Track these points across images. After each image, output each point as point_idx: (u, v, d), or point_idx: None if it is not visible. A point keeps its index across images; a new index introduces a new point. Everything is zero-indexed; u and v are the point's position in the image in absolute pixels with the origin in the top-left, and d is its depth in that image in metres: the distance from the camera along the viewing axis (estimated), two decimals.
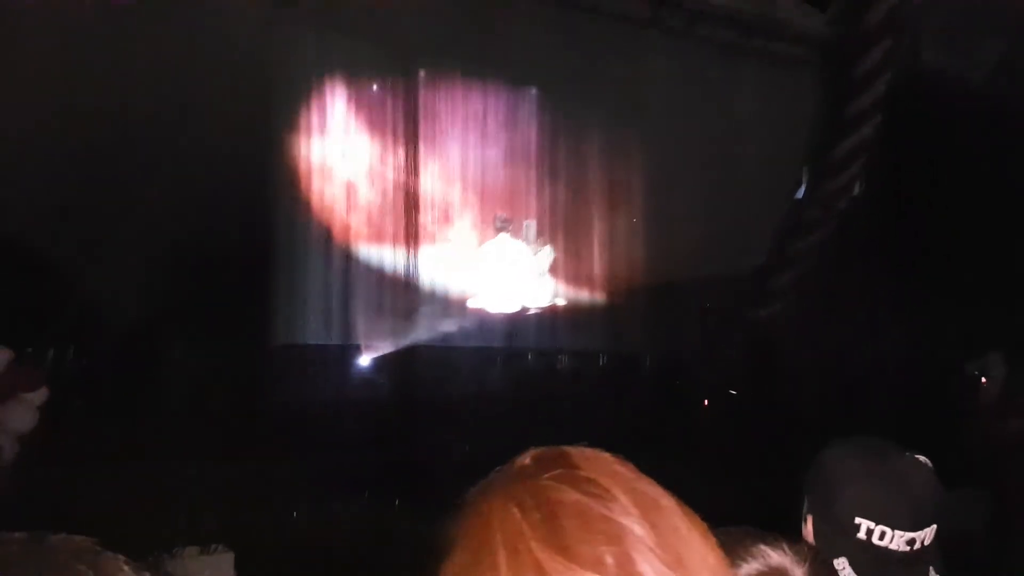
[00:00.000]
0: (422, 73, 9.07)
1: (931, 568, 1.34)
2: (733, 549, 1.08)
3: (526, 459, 0.79)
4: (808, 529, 1.42)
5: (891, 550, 1.32)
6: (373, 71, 8.80)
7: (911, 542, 1.32)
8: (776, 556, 1.08)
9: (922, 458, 1.42)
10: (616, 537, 0.67)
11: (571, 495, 0.70)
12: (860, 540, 1.33)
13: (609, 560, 0.66)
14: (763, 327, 9.37)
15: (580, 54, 9.06)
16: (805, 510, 1.44)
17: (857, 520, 1.34)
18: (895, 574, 1.32)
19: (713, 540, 0.73)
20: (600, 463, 0.75)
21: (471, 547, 0.71)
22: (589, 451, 0.77)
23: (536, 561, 0.66)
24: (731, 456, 6.86)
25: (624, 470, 0.75)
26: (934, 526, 1.34)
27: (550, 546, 0.66)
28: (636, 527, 0.68)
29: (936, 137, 7.93)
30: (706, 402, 9.26)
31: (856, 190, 9.60)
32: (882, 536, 1.32)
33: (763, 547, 1.09)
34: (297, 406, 7.41)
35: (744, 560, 1.08)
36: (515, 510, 0.70)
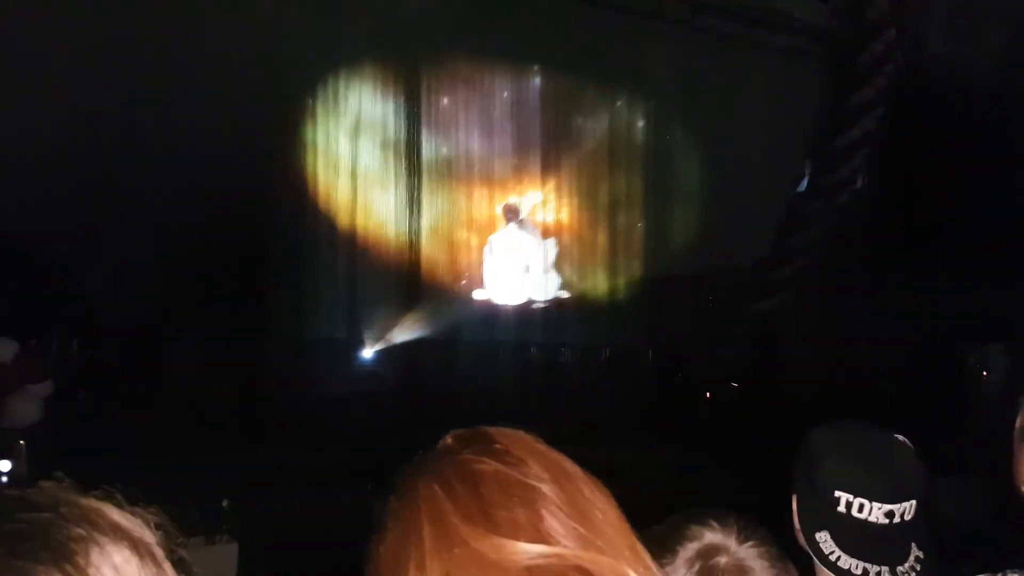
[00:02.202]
0: (425, 64, 9.05)
1: (914, 544, 1.36)
2: (673, 536, 1.15)
3: (447, 439, 0.85)
4: (794, 508, 1.43)
5: (870, 522, 1.34)
6: (377, 62, 8.78)
7: (890, 515, 1.34)
8: (708, 534, 1.15)
9: (901, 437, 1.44)
10: (530, 500, 0.74)
11: (490, 465, 0.77)
12: (840, 513, 1.35)
13: (522, 519, 0.73)
14: (765, 319, 9.37)
15: (584, 44, 9.05)
16: (792, 491, 1.47)
17: (837, 493, 1.35)
18: (876, 547, 1.34)
19: (614, 503, 0.79)
20: (516, 438, 0.82)
21: (400, 524, 0.76)
22: (506, 429, 0.83)
23: (458, 531, 0.72)
24: (732, 446, 6.87)
25: (537, 444, 0.82)
26: (914, 501, 1.36)
27: (470, 516, 0.73)
28: (547, 489, 0.75)
29: (939, 128, 7.91)
30: (708, 394, 9.28)
31: (859, 182, 9.58)
32: (861, 508, 1.34)
33: (695, 528, 1.16)
34: (301, 399, 7.43)
35: (681, 544, 1.15)
36: (437, 487, 0.76)
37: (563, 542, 0.72)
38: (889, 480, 1.36)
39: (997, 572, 1.22)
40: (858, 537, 1.34)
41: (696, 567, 1.12)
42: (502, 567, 0.70)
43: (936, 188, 7.97)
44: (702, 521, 1.16)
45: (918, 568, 1.33)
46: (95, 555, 0.56)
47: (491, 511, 0.73)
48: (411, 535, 0.74)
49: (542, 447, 0.81)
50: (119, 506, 0.63)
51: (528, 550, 0.70)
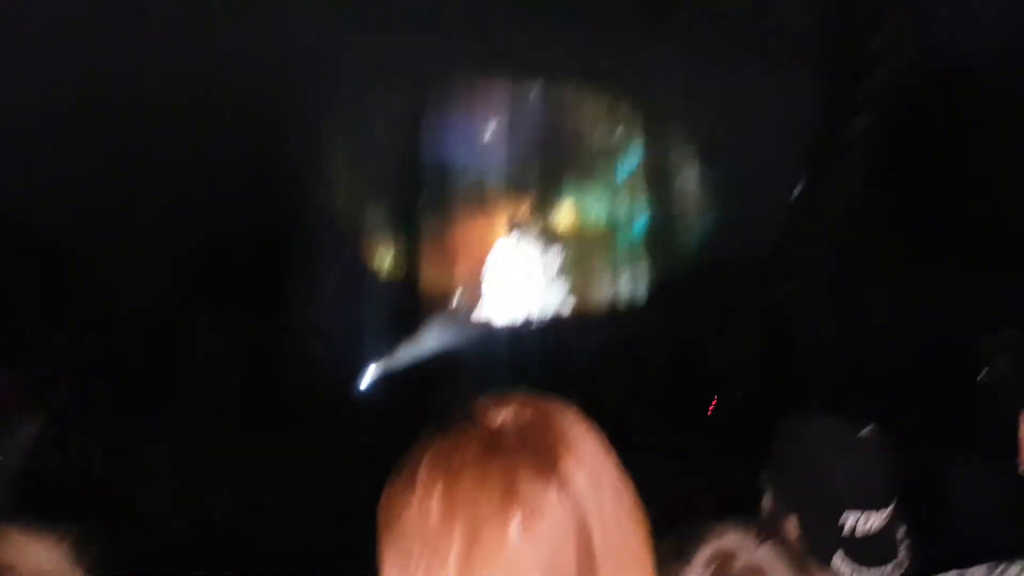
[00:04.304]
0: (430, 72, 9.01)
1: (898, 529, 1.46)
2: (689, 540, 1.18)
3: (488, 412, 0.89)
4: (796, 527, 1.47)
5: (872, 531, 1.42)
6: (386, 68, 8.74)
7: (887, 517, 1.43)
8: (726, 536, 1.16)
9: (873, 426, 1.51)
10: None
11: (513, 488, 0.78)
12: (848, 529, 1.41)
13: None
14: (775, 311, 9.32)
15: (579, 53, 8.99)
16: (775, 499, 1.48)
17: (844, 515, 1.41)
18: (878, 548, 1.42)
19: (640, 529, 0.83)
20: (553, 441, 0.83)
21: (410, 499, 0.79)
22: (550, 420, 0.88)
23: (466, 553, 0.74)
24: (742, 441, 6.82)
25: (571, 456, 0.83)
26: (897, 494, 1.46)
27: (473, 548, 0.75)
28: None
29: (945, 117, 7.86)
30: (715, 399, 9.19)
31: (864, 174, 9.51)
32: (867, 520, 1.41)
33: (713, 530, 1.18)
34: (313, 394, 7.45)
35: (699, 548, 1.16)
36: (458, 491, 0.77)
37: None
38: (884, 484, 1.44)
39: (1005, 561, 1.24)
40: (866, 547, 1.41)
41: (712, 568, 1.14)
42: None
43: (944, 176, 7.92)
44: (720, 524, 1.19)
45: (909, 548, 1.43)
46: None
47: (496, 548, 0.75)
48: (418, 521, 0.77)
49: (570, 463, 0.82)
50: (24, 536, 0.58)
51: None
